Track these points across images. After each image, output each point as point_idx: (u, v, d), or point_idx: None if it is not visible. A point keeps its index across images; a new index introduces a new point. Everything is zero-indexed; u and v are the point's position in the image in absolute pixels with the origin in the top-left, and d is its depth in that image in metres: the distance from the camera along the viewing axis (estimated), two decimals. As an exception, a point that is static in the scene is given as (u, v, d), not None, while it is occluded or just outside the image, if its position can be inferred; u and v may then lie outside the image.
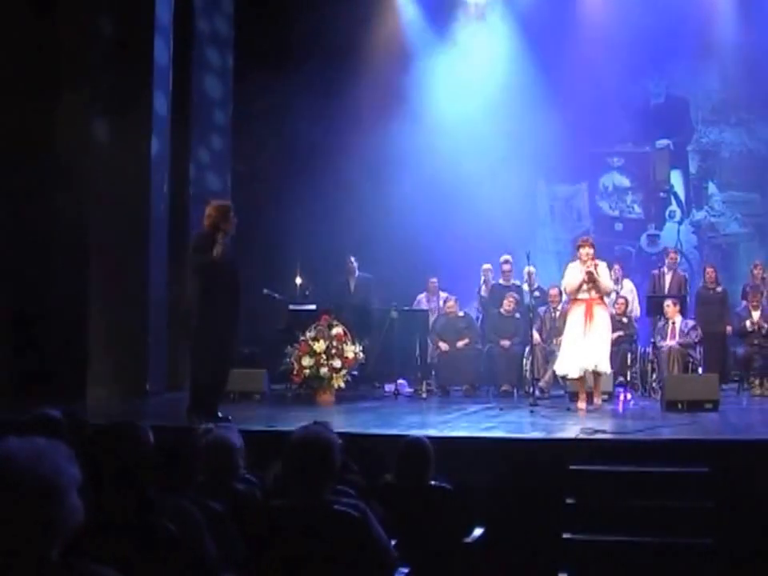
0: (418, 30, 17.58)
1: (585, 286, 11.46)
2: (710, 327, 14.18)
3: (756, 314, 13.74)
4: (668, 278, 15.16)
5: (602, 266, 11.74)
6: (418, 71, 17.09)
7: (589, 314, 11.45)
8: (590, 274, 11.40)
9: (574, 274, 11.61)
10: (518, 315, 14.25)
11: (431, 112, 16.67)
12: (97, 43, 13.29)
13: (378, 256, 15.79)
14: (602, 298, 11.71)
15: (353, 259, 15.36)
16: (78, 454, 2.80)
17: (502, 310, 14.32)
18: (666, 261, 15.55)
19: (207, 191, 14.71)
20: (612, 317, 12.28)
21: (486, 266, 15.47)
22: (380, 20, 17.87)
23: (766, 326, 13.62)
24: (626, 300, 14.28)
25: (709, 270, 15.25)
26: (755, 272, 15.00)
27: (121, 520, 3.79)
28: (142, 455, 4.06)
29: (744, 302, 14.15)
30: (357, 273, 15.35)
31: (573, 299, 11.71)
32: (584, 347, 11.40)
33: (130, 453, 4.01)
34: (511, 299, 14.25)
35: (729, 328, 14.49)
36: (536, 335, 13.57)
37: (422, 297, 15.59)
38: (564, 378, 12.25)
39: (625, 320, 13.81)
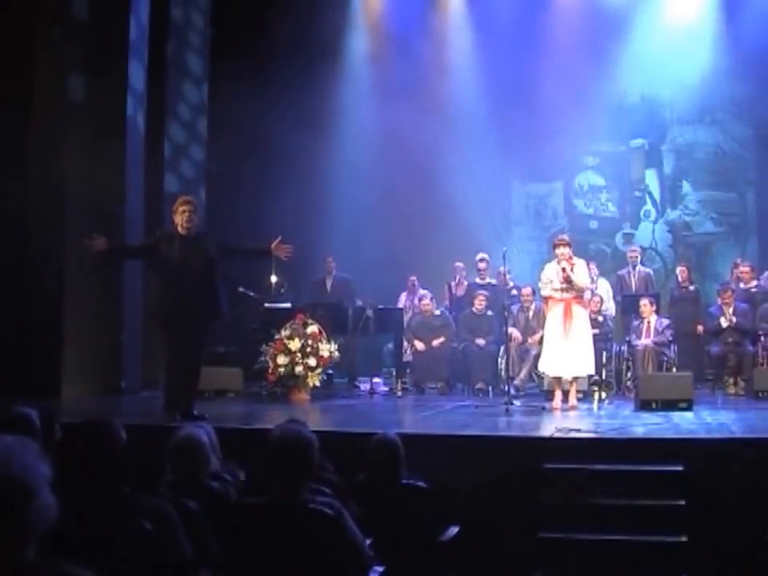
0: (394, 30, 17.54)
1: (562, 286, 11.50)
2: (683, 326, 14.25)
3: (729, 311, 13.77)
4: (634, 277, 15.21)
5: (580, 263, 11.75)
6: (393, 72, 17.05)
7: (568, 313, 11.48)
8: (564, 272, 11.43)
9: (550, 275, 11.64)
10: (490, 313, 14.26)
11: (407, 112, 16.64)
12: (71, 53, 13.22)
13: (353, 254, 15.80)
14: (580, 296, 11.75)
15: (330, 259, 15.40)
16: (48, 452, 2.78)
17: (473, 309, 14.33)
18: (628, 259, 15.60)
19: (181, 191, 14.67)
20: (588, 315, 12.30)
21: (459, 264, 15.51)
22: (357, 21, 17.88)
23: (735, 319, 13.65)
24: (602, 298, 14.29)
25: (681, 269, 15.32)
26: (735, 270, 15.08)
27: (95, 519, 3.77)
28: (115, 453, 4.05)
29: (718, 301, 14.18)
30: (334, 272, 15.40)
31: (550, 298, 11.74)
32: (567, 350, 11.44)
33: (102, 451, 4.00)
34: (482, 298, 14.27)
35: (700, 327, 14.55)
36: (514, 333, 13.61)
37: (403, 295, 15.62)
38: (543, 375, 12.34)
39: (600, 319, 13.83)
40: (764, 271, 15.01)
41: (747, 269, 14.79)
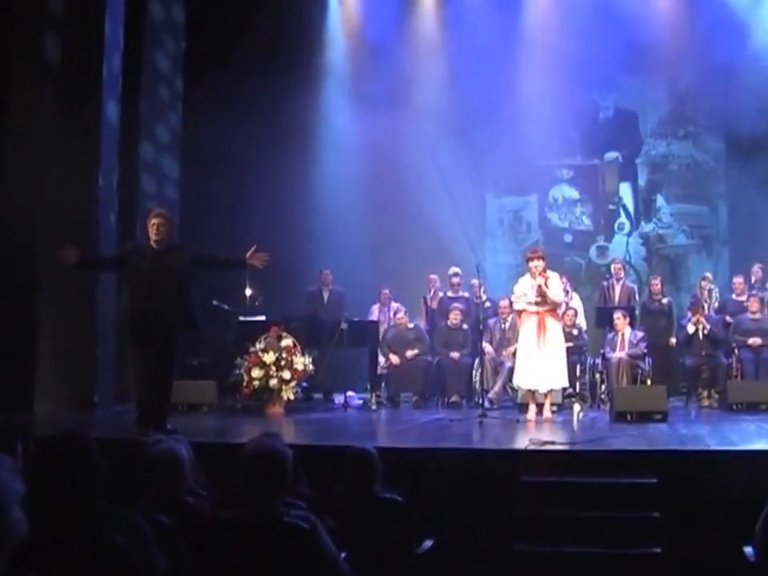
0: (371, 41, 17.52)
1: (536, 299, 11.54)
2: (656, 338, 14.30)
3: (697, 318, 13.77)
4: (617, 290, 15.29)
5: (554, 276, 11.80)
6: (370, 83, 17.04)
7: (542, 326, 11.55)
8: (539, 287, 11.48)
9: (524, 289, 11.69)
10: (465, 327, 14.27)
11: (382, 123, 16.61)
12: (46, 54, 13.14)
13: (328, 266, 15.77)
14: (553, 310, 11.78)
15: (328, 272, 15.43)
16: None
17: (448, 323, 14.33)
18: (612, 272, 15.67)
19: (156, 204, 14.61)
20: (562, 328, 12.32)
21: (434, 276, 15.53)
22: (334, 31, 17.88)
23: (708, 326, 13.65)
24: (576, 311, 14.31)
25: (654, 281, 15.37)
26: (702, 284, 15.15)
27: (68, 533, 3.74)
28: (88, 466, 4.01)
29: (689, 314, 14.21)
30: (331, 285, 15.42)
31: (524, 311, 11.78)
32: (540, 363, 11.49)
33: (75, 464, 3.96)
34: (456, 312, 14.27)
35: (673, 340, 14.59)
36: (487, 347, 13.60)
37: (375, 308, 15.58)
38: (517, 388, 12.38)
39: (575, 332, 13.86)
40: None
41: (740, 280, 14.81)
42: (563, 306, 13.24)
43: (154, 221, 9.87)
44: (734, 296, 14.74)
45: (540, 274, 11.59)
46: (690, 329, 13.71)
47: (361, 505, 5.95)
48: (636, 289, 15.77)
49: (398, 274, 16.07)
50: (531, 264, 11.70)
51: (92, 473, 4.00)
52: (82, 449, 4.06)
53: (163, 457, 5.40)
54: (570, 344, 12.74)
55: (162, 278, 9.70)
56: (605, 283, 15.58)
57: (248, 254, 10.05)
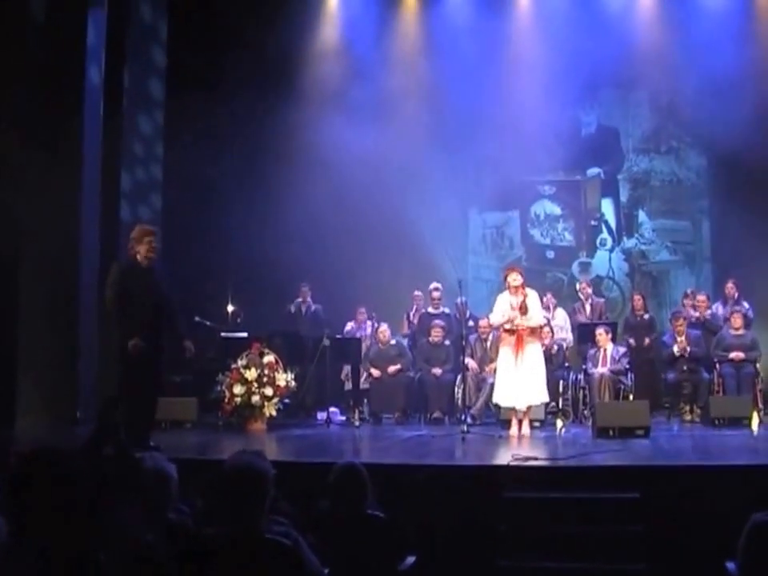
0: (354, 57, 17.53)
1: (514, 314, 11.57)
2: (638, 354, 14.34)
3: (680, 339, 13.81)
4: (586, 309, 15.33)
5: (533, 295, 11.84)
6: (349, 100, 17.03)
7: (520, 345, 11.57)
8: (521, 303, 11.52)
9: (503, 306, 11.72)
10: (447, 342, 14.27)
11: (363, 140, 16.61)
12: (27, 73, 13.10)
13: (310, 283, 15.76)
14: (532, 327, 11.80)
15: (306, 289, 15.45)
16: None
17: (430, 339, 14.32)
18: (580, 292, 15.74)
19: (138, 219, 14.59)
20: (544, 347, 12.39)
21: (418, 293, 15.53)
22: (316, 48, 17.87)
23: (689, 348, 13.70)
24: (552, 330, 14.28)
25: (636, 297, 15.47)
26: (685, 301, 15.21)
27: (50, 551, 3.72)
28: (69, 482, 3.99)
29: (670, 329, 14.26)
30: (309, 300, 15.43)
31: (503, 329, 11.82)
32: (518, 380, 11.51)
33: (56, 479, 3.94)
34: (438, 329, 14.27)
35: (647, 340, 14.68)
36: (470, 362, 13.60)
37: (349, 325, 15.57)
38: (497, 405, 12.39)
39: (555, 348, 13.89)
40: (717, 300, 15.18)
41: (703, 297, 14.92)
42: (545, 320, 13.24)
43: (152, 238, 9.80)
44: (697, 312, 14.82)
45: (519, 290, 11.63)
46: (676, 350, 13.73)
47: (347, 521, 5.93)
48: (604, 304, 15.81)
49: (381, 290, 16.06)
50: (509, 278, 11.76)
51: (73, 488, 3.98)
52: (63, 463, 4.04)
53: (153, 474, 5.37)
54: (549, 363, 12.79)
55: (154, 297, 9.69)
56: (576, 304, 15.61)
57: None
